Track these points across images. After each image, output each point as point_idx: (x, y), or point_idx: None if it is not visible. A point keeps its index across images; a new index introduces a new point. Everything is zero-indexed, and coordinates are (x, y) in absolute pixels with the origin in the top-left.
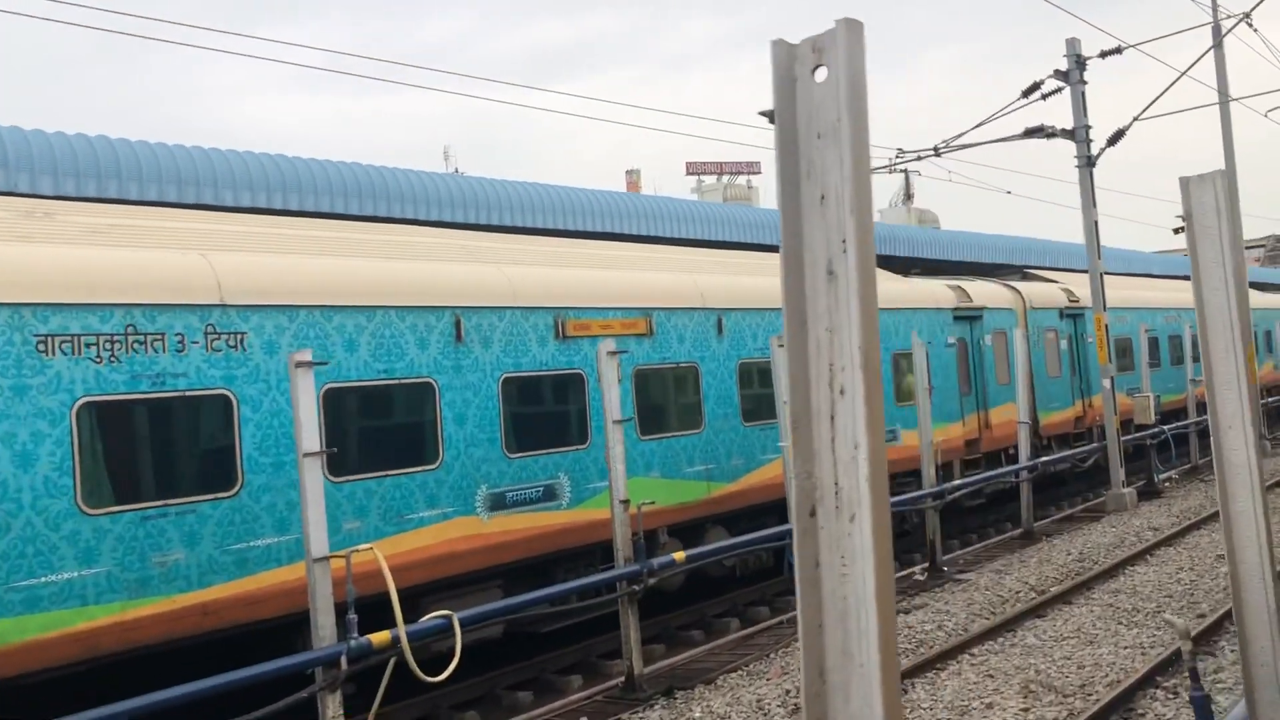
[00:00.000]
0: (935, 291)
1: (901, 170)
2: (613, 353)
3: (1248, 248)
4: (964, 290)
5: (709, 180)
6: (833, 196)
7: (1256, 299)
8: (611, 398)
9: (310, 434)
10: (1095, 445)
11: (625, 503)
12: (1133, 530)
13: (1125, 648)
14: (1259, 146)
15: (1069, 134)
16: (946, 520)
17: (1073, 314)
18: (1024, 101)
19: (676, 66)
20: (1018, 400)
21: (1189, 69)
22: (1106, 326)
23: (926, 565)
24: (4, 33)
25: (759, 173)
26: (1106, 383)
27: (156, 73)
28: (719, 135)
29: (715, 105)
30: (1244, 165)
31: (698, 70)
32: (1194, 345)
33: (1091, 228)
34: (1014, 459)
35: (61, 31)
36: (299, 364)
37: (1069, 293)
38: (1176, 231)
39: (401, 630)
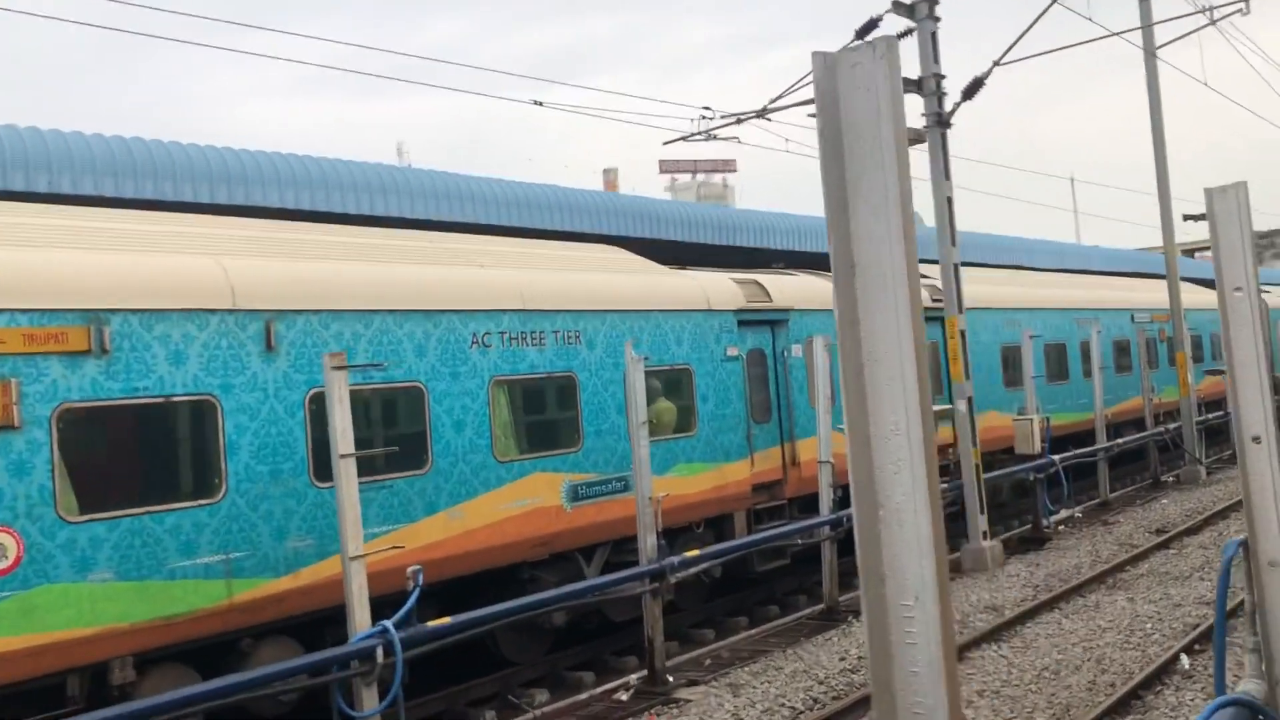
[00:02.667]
0: (708, 287)
1: (705, 136)
2: None
3: None
4: (760, 286)
5: (683, 179)
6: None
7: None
8: None
9: None
10: (947, 484)
11: None
12: (965, 609)
13: None
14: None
15: (915, 85)
16: (750, 583)
17: (936, 317)
18: (859, 45)
19: (676, 70)
20: (818, 431)
21: None
22: (962, 332)
23: (644, 674)
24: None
25: (734, 170)
26: (962, 405)
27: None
28: (718, 136)
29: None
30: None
31: (697, 73)
32: (1117, 353)
33: (944, 205)
34: (841, 503)
35: (55, 30)
36: None
37: (933, 289)
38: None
39: None
